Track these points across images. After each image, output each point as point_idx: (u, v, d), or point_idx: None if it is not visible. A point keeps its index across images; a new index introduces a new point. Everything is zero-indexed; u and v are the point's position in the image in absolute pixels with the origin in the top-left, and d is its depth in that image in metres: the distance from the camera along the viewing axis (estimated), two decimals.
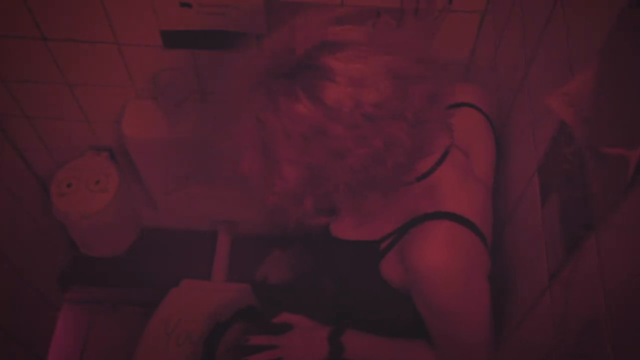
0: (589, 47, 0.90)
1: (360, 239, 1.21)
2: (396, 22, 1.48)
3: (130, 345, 1.99)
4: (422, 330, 1.22)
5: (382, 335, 1.33)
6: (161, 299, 2.03)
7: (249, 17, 1.55)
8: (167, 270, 2.20)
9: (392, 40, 1.01)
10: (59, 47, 1.69)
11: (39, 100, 1.88)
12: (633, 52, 0.75)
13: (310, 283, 1.71)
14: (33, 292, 2.19)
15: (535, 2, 1.18)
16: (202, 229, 2.46)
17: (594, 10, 0.92)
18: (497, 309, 1.28)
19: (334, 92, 0.93)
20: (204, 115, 1.82)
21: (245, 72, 1.01)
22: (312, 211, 1.04)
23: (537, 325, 1.07)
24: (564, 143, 0.98)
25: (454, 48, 1.66)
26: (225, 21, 1.57)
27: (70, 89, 1.83)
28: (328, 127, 0.94)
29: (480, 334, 1.18)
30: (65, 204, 2.02)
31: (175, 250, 2.43)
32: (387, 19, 1.48)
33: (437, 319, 1.18)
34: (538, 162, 1.10)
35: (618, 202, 0.77)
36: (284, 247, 1.92)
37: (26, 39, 1.66)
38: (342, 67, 0.93)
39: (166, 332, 1.96)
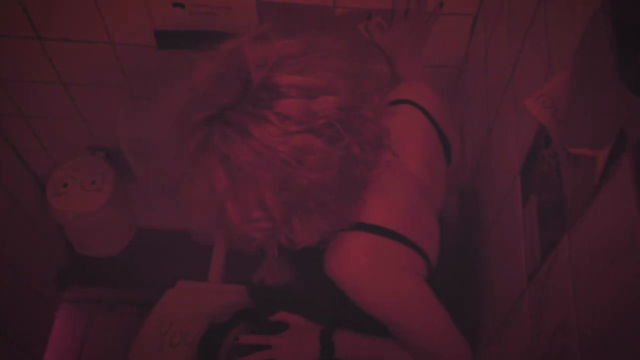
0: (567, 48, 0.90)
1: None
2: (387, 24, 1.48)
3: (127, 345, 1.99)
4: None
5: (377, 335, 1.32)
6: (158, 299, 2.03)
7: (241, 18, 1.55)
8: (164, 271, 2.19)
9: (327, 44, 1.01)
10: (55, 46, 1.70)
11: (36, 100, 1.89)
12: (604, 54, 0.75)
13: (307, 284, 1.71)
14: (31, 291, 2.20)
15: (521, 3, 1.18)
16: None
17: (571, 12, 0.91)
18: (484, 310, 1.28)
19: (294, 105, 0.92)
20: None
21: (176, 115, 1.00)
22: (300, 229, 1.04)
23: (519, 326, 1.06)
24: (542, 145, 0.97)
25: (449, 51, 1.66)
26: (218, 21, 1.57)
27: (66, 88, 1.84)
28: (305, 142, 0.93)
29: (437, 336, 1.18)
30: (61, 204, 2.03)
31: (172, 250, 2.43)
32: (379, 20, 1.48)
33: (390, 327, 1.18)
34: (520, 164, 1.09)
35: (588, 203, 0.77)
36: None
37: (22, 39, 1.67)
38: (296, 80, 0.93)
39: (161, 333, 1.96)
